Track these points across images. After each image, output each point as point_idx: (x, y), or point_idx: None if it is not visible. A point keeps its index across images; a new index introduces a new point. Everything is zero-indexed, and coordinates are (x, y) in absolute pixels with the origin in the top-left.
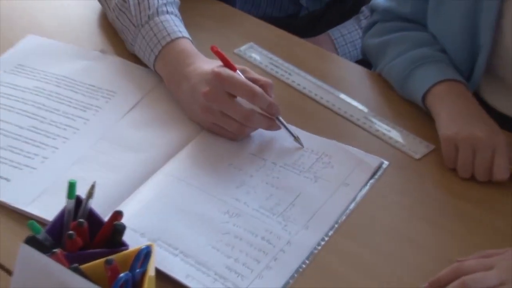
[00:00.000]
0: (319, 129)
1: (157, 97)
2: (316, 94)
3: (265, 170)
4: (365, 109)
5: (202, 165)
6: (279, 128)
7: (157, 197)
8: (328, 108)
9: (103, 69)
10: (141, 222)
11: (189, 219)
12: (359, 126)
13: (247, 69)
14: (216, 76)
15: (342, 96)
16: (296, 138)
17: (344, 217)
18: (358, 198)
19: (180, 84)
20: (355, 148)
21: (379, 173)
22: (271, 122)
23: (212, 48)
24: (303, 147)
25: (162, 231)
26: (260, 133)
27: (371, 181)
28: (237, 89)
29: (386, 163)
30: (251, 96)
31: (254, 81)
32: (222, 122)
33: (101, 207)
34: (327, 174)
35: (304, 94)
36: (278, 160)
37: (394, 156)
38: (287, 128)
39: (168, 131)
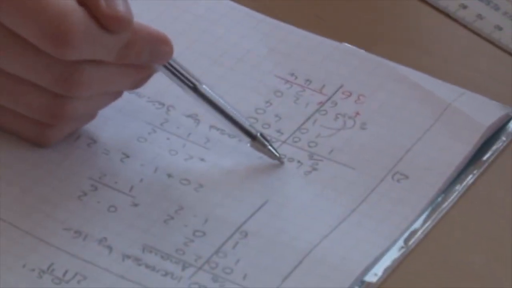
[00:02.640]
0: (348, 27)
1: None
2: None
3: (165, 135)
4: None
5: None
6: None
7: None
8: None
9: None
10: None
11: None
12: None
13: None
14: None
15: None
16: (257, 139)
17: (387, 266)
18: (437, 214)
19: None
20: (437, 80)
21: (500, 144)
22: (139, 75)
23: None
24: (282, 163)
25: None
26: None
27: (479, 170)
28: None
29: None
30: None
31: None
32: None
33: None
34: (351, 146)
35: None
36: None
37: None
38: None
39: None
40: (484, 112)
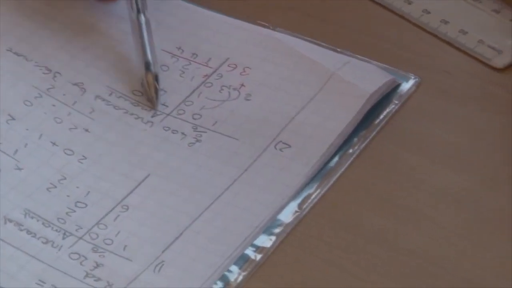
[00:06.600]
0: None
1: None
2: None
3: (50, 101)
4: None
5: None
6: None
7: None
8: None
9: None
10: None
11: None
12: None
13: None
14: None
15: None
16: (150, 73)
17: (281, 231)
18: (330, 177)
19: None
20: (323, 49)
21: (388, 109)
22: None
23: None
24: (154, 107)
25: None
26: None
27: (373, 133)
28: None
29: (412, 79)
30: None
31: None
32: None
33: None
34: (235, 117)
35: None
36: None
37: (437, 62)
38: None
39: None
40: (369, 79)
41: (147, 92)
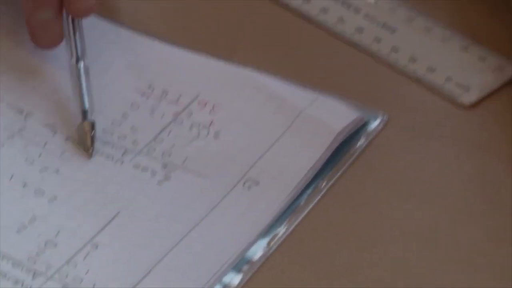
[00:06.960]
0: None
1: None
2: None
3: (22, 142)
4: None
5: None
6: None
7: None
8: None
9: None
10: None
11: None
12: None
13: None
14: None
15: None
16: (85, 122)
17: (249, 268)
18: (298, 215)
19: None
20: (292, 86)
21: (357, 146)
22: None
23: None
24: (89, 156)
25: None
26: None
27: (340, 170)
28: None
29: (380, 117)
30: None
31: None
32: None
33: None
34: (205, 155)
35: None
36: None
37: (405, 99)
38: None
39: None
40: (337, 116)
41: (83, 141)
